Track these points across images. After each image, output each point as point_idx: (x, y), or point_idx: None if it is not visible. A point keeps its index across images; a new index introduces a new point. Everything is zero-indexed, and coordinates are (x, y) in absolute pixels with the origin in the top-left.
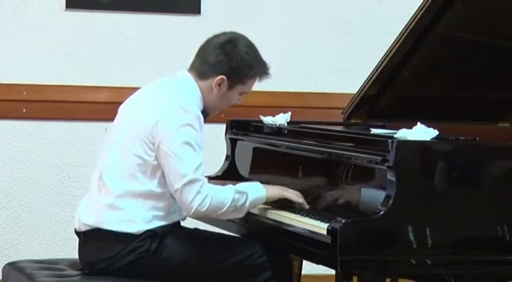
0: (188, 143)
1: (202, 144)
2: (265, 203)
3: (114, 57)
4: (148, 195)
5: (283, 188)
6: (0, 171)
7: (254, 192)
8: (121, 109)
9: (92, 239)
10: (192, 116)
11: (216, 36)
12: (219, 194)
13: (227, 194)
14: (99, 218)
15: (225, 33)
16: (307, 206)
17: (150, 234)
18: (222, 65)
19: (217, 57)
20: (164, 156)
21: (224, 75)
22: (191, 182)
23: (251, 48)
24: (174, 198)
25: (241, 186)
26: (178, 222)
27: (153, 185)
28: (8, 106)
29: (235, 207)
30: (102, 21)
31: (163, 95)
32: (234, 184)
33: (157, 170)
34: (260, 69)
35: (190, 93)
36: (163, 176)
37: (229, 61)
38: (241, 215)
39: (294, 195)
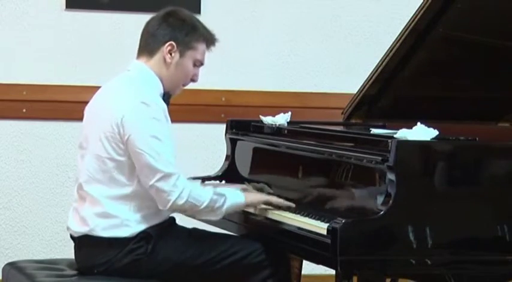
0: (155, 137)
1: (172, 136)
2: (250, 207)
3: (114, 57)
4: (134, 196)
5: (263, 194)
6: (0, 171)
7: (232, 197)
8: (85, 111)
9: (86, 244)
10: (155, 108)
11: (155, 15)
12: (196, 190)
13: (205, 193)
14: (89, 226)
15: (163, 9)
16: (293, 204)
17: (144, 235)
18: (166, 33)
19: (161, 28)
20: (134, 154)
21: (172, 40)
22: (165, 176)
23: (193, 16)
24: None
25: (221, 189)
26: (172, 220)
27: (134, 185)
28: (8, 106)
29: (212, 208)
30: (102, 21)
31: (122, 91)
32: (214, 187)
33: (135, 168)
34: (206, 32)
35: (148, 81)
36: None
37: (174, 27)
38: (217, 217)
39: (275, 200)
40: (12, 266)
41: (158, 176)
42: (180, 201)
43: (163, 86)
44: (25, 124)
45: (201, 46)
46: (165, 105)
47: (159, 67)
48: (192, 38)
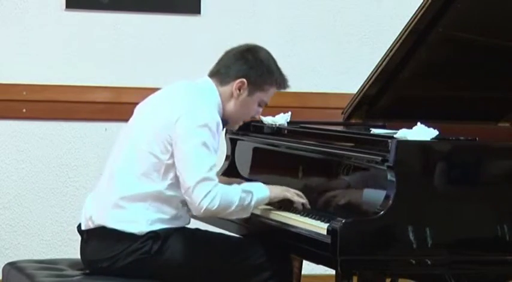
0: (204, 144)
1: (218, 150)
2: (268, 204)
3: (114, 57)
4: (157, 197)
5: (285, 188)
6: (0, 171)
7: (258, 192)
8: (138, 109)
9: (95, 237)
10: (211, 118)
11: (236, 47)
12: (227, 193)
13: (235, 194)
14: (104, 216)
15: (244, 44)
16: (309, 206)
17: (152, 235)
18: (242, 69)
19: (237, 62)
20: (179, 154)
21: (244, 78)
22: (204, 180)
23: (271, 57)
24: (181, 204)
25: (247, 185)
26: (181, 227)
27: (163, 186)
28: (8, 106)
29: (242, 207)
30: (102, 21)
31: (184, 95)
32: (238, 183)
33: (171, 170)
34: (280, 77)
35: (211, 97)
36: (175, 178)
37: (250, 66)
38: (247, 214)
39: (296, 196)
40: (12, 266)
41: (197, 179)
42: (213, 208)
43: (223, 113)
44: (25, 124)
45: (272, 90)
46: (219, 118)
47: (226, 98)
48: (265, 81)
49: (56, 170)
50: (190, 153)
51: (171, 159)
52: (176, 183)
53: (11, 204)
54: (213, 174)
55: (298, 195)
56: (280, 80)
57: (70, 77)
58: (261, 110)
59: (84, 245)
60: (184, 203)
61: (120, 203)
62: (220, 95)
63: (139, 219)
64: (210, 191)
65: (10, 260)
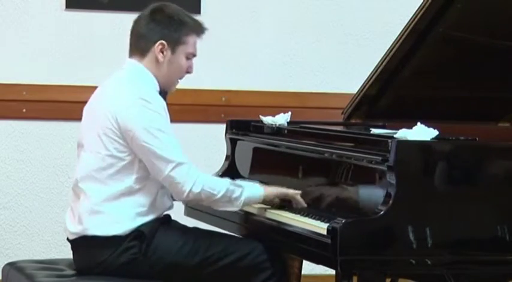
0: (160, 130)
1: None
2: (263, 203)
3: (114, 57)
4: (129, 193)
5: (281, 187)
6: (0, 171)
7: (250, 188)
8: (84, 111)
9: (81, 246)
10: (156, 104)
11: (141, 13)
12: (211, 180)
13: (222, 183)
14: (83, 225)
15: (150, 6)
16: (305, 205)
17: (138, 234)
18: (155, 32)
19: (149, 27)
20: (141, 149)
21: (161, 39)
22: (177, 165)
23: (178, 9)
24: (155, 190)
25: (238, 181)
26: (166, 218)
27: (130, 181)
28: (8, 106)
29: (229, 199)
30: (102, 21)
31: (119, 88)
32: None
33: (133, 165)
34: (194, 23)
35: (143, 79)
36: (140, 170)
37: (163, 26)
38: (235, 208)
39: (292, 192)
40: (12, 266)
41: (171, 165)
42: (196, 190)
43: (159, 83)
44: (25, 124)
45: (191, 39)
46: (164, 102)
47: (153, 66)
48: (181, 33)
49: (56, 170)
50: (150, 144)
51: (130, 156)
52: (143, 175)
53: (11, 204)
54: (181, 156)
55: (295, 192)
56: (196, 27)
57: (70, 77)
58: (192, 63)
59: (74, 254)
60: (157, 188)
61: (94, 208)
62: (146, 67)
63: (119, 219)
64: (187, 174)
65: (10, 260)
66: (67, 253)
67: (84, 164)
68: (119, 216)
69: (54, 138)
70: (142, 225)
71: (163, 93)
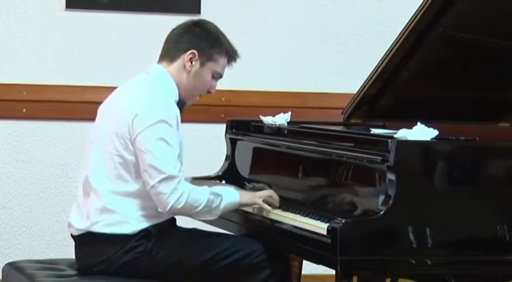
0: (163, 139)
1: (180, 143)
2: (238, 208)
3: (114, 57)
4: (138, 195)
5: (256, 194)
6: (0, 171)
7: (228, 196)
8: (99, 110)
9: (86, 242)
10: (168, 112)
11: (181, 23)
12: (194, 193)
13: (203, 194)
14: (91, 222)
15: (190, 20)
16: (277, 204)
17: (145, 234)
18: (190, 41)
19: (186, 36)
20: (139, 153)
21: (195, 49)
22: (167, 178)
23: (219, 29)
24: None
25: (217, 189)
26: (173, 220)
27: (138, 185)
28: (8, 106)
29: (209, 208)
30: (102, 21)
31: (138, 92)
32: (209, 186)
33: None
34: (230, 47)
35: (164, 85)
36: None
37: (199, 37)
38: (214, 217)
39: (266, 204)
40: (12, 266)
41: (161, 177)
42: (179, 205)
43: (179, 92)
44: (25, 124)
45: (223, 60)
46: (178, 111)
47: (179, 74)
48: (214, 51)
49: (56, 170)
50: (149, 150)
51: (137, 158)
52: None
53: (11, 204)
54: (175, 170)
55: (268, 198)
56: (230, 50)
57: (70, 77)
58: (215, 84)
59: (78, 251)
60: None
61: (105, 206)
62: (172, 74)
63: (128, 219)
64: (175, 189)
65: (10, 260)
66: (67, 253)
67: (94, 161)
68: (128, 216)
69: (54, 138)
70: (150, 226)
71: (181, 103)
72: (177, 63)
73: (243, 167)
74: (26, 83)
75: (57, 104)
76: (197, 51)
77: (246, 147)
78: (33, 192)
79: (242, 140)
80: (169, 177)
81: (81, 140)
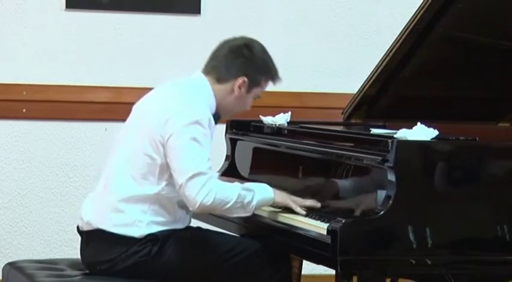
0: (195, 139)
1: (211, 145)
2: (271, 206)
3: (114, 57)
4: (155, 200)
5: (290, 196)
6: (0, 171)
7: (262, 192)
8: (134, 108)
9: (94, 239)
10: (202, 115)
11: (229, 40)
12: (224, 188)
13: (233, 190)
14: (102, 219)
15: (238, 38)
16: (304, 212)
17: (152, 238)
18: (242, 68)
19: (236, 60)
20: (171, 151)
21: (246, 76)
22: (196, 175)
23: (266, 51)
24: (179, 206)
25: (249, 184)
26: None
27: (159, 188)
28: (8, 106)
29: (242, 204)
30: (102, 21)
31: (175, 94)
32: (241, 183)
33: (165, 171)
34: (275, 72)
35: (203, 94)
36: (170, 178)
37: (249, 64)
38: (248, 213)
39: (299, 208)
40: (12, 266)
41: (189, 174)
42: (208, 202)
43: (218, 108)
44: (25, 124)
45: (266, 84)
46: (211, 115)
47: (223, 94)
48: (263, 77)
49: (56, 170)
50: (181, 149)
51: (164, 160)
52: (172, 184)
53: (11, 204)
54: (205, 168)
55: (301, 208)
56: (275, 75)
57: (70, 77)
58: (253, 102)
59: (84, 247)
60: (182, 205)
61: (119, 206)
62: (216, 92)
63: (138, 223)
64: (204, 185)
65: (10, 260)
66: (67, 253)
67: (121, 158)
68: (139, 220)
69: (54, 138)
70: (159, 231)
71: (215, 116)
72: (225, 86)
73: (243, 167)
74: (26, 83)
75: (57, 104)
76: (247, 79)
77: (246, 147)
78: (33, 192)
79: (242, 140)
80: (198, 174)
81: (81, 140)
